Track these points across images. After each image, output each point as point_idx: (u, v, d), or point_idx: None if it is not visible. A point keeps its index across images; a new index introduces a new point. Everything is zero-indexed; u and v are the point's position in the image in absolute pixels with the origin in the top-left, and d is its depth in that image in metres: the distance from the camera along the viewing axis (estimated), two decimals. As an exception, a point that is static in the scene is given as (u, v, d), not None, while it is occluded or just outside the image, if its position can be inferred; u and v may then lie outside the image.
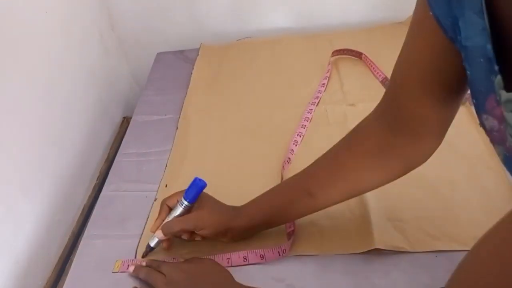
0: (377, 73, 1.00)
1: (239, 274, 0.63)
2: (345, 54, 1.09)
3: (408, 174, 0.60)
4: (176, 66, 1.16)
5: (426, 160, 0.58)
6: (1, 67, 0.73)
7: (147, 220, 0.76)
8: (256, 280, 0.64)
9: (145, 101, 1.06)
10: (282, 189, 0.68)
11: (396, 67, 0.53)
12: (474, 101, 0.41)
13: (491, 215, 0.66)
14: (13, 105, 0.76)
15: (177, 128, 0.95)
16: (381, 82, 0.98)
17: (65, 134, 0.93)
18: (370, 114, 0.61)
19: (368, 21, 1.18)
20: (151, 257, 0.68)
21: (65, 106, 0.93)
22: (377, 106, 0.59)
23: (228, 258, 0.66)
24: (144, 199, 0.80)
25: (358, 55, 1.07)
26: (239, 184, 0.80)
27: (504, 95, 0.35)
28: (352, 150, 0.61)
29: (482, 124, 0.42)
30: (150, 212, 0.77)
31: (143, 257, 0.68)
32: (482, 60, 0.37)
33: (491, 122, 0.39)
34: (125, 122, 1.18)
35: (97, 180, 1.02)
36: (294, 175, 0.66)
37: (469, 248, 0.35)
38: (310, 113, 0.93)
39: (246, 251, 0.67)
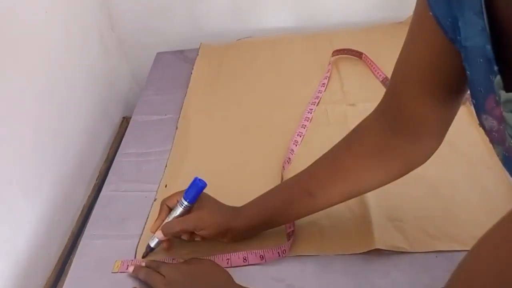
0: (377, 73, 1.00)
1: (239, 275, 0.63)
2: (345, 54, 1.09)
3: (408, 174, 0.60)
4: (176, 66, 1.16)
5: (426, 160, 0.58)
6: (1, 67, 0.73)
7: (146, 220, 0.76)
8: (256, 281, 0.64)
9: (145, 101, 1.06)
10: (282, 189, 0.68)
11: (396, 67, 0.53)
12: (474, 101, 0.41)
13: (491, 215, 0.66)
14: (13, 105, 0.76)
15: (177, 128, 0.95)
16: (381, 82, 0.98)
17: (65, 134, 0.93)
18: (370, 114, 0.61)
19: (368, 21, 1.18)
20: (151, 257, 0.68)
21: (65, 106, 0.93)
22: (377, 106, 0.59)
23: (228, 259, 0.66)
24: (144, 199, 0.80)
25: (358, 55, 1.07)
26: (239, 184, 0.80)
27: (504, 95, 0.35)
28: (352, 150, 0.61)
29: (481, 124, 0.42)
30: (150, 212, 0.77)
31: (143, 257, 0.68)
32: (481, 60, 0.37)
33: (491, 122, 0.39)
34: (125, 122, 1.18)
35: (96, 180, 1.02)
36: (294, 176, 0.66)
37: (469, 248, 0.35)
38: (310, 113, 0.93)
39: (246, 252, 0.67)
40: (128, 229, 0.75)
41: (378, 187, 0.62)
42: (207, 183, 0.65)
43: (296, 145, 0.86)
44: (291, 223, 0.69)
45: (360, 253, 0.65)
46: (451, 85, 0.49)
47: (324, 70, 1.05)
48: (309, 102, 0.96)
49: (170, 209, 0.67)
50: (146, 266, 0.65)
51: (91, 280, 0.68)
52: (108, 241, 0.73)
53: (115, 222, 0.76)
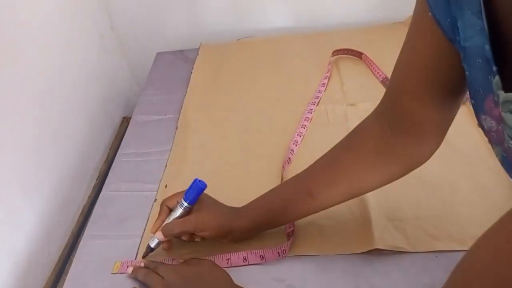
0: (377, 73, 1.00)
1: (239, 275, 0.63)
2: (345, 54, 1.09)
3: (408, 174, 0.60)
4: (176, 66, 1.16)
5: (426, 160, 0.58)
6: (1, 67, 0.73)
7: (147, 221, 0.76)
8: (256, 281, 0.64)
9: (145, 101, 1.06)
10: (283, 189, 0.67)
11: (395, 67, 0.53)
12: (473, 101, 0.41)
13: (491, 215, 0.66)
14: (13, 105, 0.76)
15: (177, 128, 0.95)
16: (382, 82, 0.98)
17: (65, 134, 0.93)
18: (370, 114, 0.61)
19: (368, 21, 1.18)
20: (151, 257, 0.68)
21: (64, 106, 0.94)
22: (377, 106, 0.59)
23: (228, 259, 0.66)
24: (144, 199, 0.80)
25: (358, 55, 1.07)
26: (239, 184, 0.80)
27: (502, 95, 0.35)
28: (353, 150, 0.61)
29: (480, 125, 0.42)
30: (150, 212, 0.77)
31: (143, 257, 0.68)
32: (480, 60, 0.37)
33: (489, 122, 0.39)
34: (125, 122, 1.18)
35: (97, 180, 1.02)
36: (295, 176, 0.66)
37: (468, 248, 0.35)
38: (310, 113, 0.93)
39: (245, 252, 0.67)
40: (128, 229, 0.75)
41: (378, 187, 0.62)
42: (207, 184, 0.65)
43: (296, 145, 0.86)
44: (291, 223, 0.69)
45: (360, 253, 0.65)
46: (451, 85, 0.49)
47: (324, 70, 1.05)
48: (309, 102, 0.96)
49: (170, 210, 0.67)
50: (145, 267, 0.65)
51: (91, 280, 0.68)
52: (108, 241, 0.73)
53: (115, 222, 0.76)
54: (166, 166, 0.86)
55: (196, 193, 0.65)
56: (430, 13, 0.43)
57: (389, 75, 0.60)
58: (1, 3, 0.74)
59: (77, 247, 0.75)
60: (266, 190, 0.67)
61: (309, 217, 0.66)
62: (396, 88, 0.55)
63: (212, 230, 0.64)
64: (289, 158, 0.83)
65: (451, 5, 0.40)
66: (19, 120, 0.78)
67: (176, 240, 0.68)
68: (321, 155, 0.64)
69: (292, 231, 0.68)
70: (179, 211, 0.65)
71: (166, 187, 0.81)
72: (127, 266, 0.67)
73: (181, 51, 1.21)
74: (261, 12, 1.21)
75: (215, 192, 0.68)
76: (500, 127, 0.38)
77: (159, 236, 0.66)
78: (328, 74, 1.03)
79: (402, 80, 0.53)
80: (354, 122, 0.62)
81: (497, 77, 0.35)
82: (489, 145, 0.43)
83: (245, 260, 0.66)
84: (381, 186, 0.61)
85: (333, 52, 1.08)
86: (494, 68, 0.35)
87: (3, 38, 0.74)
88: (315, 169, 0.64)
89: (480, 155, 0.78)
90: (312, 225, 0.69)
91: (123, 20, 1.22)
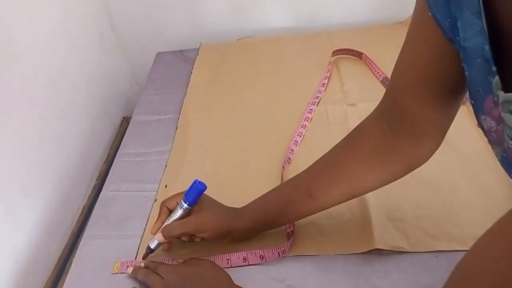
0: (378, 73, 1.00)
1: (239, 275, 0.63)
2: (345, 54, 1.09)
3: (409, 174, 0.60)
4: (176, 66, 1.16)
5: (426, 160, 0.58)
6: (1, 67, 0.73)
7: (147, 221, 0.76)
8: (256, 281, 0.64)
9: (145, 101, 1.06)
10: (283, 190, 0.67)
11: (396, 67, 0.53)
12: (472, 101, 0.41)
13: (491, 215, 0.66)
14: (13, 105, 0.76)
15: (177, 128, 0.95)
16: (382, 82, 0.98)
17: (65, 134, 0.93)
18: (370, 115, 0.61)
19: (368, 21, 1.18)
20: (151, 257, 0.68)
21: (64, 106, 0.94)
22: (377, 106, 0.59)
23: (228, 259, 0.66)
24: (144, 199, 0.80)
25: (358, 55, 1.07)
26: (239, 184, 0.80)
27: (502, 96, 0.35)
28: (353, 150, 0.61)
29: (480, 125, 0.42)
30: (150, 212, 0.77)
31: (143, 258, 0.68)
32: (480, 60, 0.37)
33: (489, 122, 0.39)
34: (125, 122, 1.18)
35: (97, 180, 1.02)
36: (295, 176, 0.66)
37: (469, 248, 0.35)
38: (310, 113, 0.93)
39: (245, 252, 0.67)
40: (128, 229, 0.75)
41: (379, 187, 0.62)
42: (207, 185, 0.65)
43: (296, 145, 0.86)
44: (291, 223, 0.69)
45: (360, 253, 0.65)
46: (451, 86, 0.49)
47: (324, 70, 1.05)
48: (309, 102, 0.96)
49: (170, 211, 0.67)
50: (145, 267, 0.65)
51: (91, 280, 0.68)
52: (108, 241, 0.73)
53: (115, 222, 0.76)
54: (166, 166, 0.86)
55: (196, 194, 0.64)
56: (430, 13, 0.43)
57: (389, 75, 0.60)
58: (1, 3, 0.74)
59: (77, 247, 0.75)
60: (266, 190, 0.67)
61: (309, 217, 0.66)
62: (396, 88, 0.55)
63: (212, 231, 0.64)
64: (289, 158, 0.83)
65: (450, 5, 0.40)
66: (19, 120, 0.78)
67: (176, 240, 0.68)
68: (321, 155, 0.64)
69: (292, 231, 0.68)
70: (179, 213, 0.65)
71: (166, 187, 0.81)
72: (127, 266, 0.67)
73: (181, 51, 1.21)
74: (261, 12, 1.21)
75: (215, 192, 0.68)
76: (499, 127, 0.38)
77: (159, 237, 0.66)
78: (328, 74, 1.03)
79: (402, 80, 0.53)
80: (354, 122, 0.62)
81: (496, 78, 0.35)
82: (489, 145, 0.43)
83: (245, 260, 0.66)
84: (381, 186, 0.61)
85: (333, 52, 1.08)
86: (494, 69, 0.35)
87: (3, 38, 0.74)
88: (315, 169, 0.64)
89: (480, 155, 0.78)
90: (312, 225, 0.69)
91: (123, 20, 1.22)
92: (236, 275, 0.62)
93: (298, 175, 0.66)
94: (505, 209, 0.31)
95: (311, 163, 0.65)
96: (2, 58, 0.73)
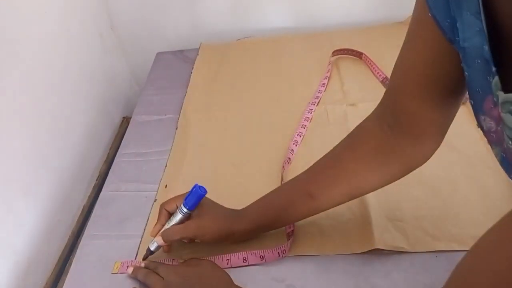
0: (378, 73, 1.00)
1: (239, 275, 0.63)
2: (345, 54, 1.09)
3: (409, 174, 0.60)
4: (175, 66, 1.16)
5: (426, 160, 0.58)
6: (1, 67, 0.73)
7: (147, 221, 0.76)
8: (256, 281, 0.64)
9: (144, 101, 1.06)
10: (283, 191, 0.67)
11: (395, 67, 0.53)
12: (472, 102, 0.41)
13: (491, 215, 0.66)
14: (13, 105, 0.76)
15: (177, 128, 0.95)
16: (382, 82, 0.98)
17: (65, 134, 0.93)
18: (370, 115, 0.61)
19: (368, 21, 1.18)
20: (152, 257, 0.68)
21: (64, 106, 0.94)
22: (377, 107, 0.59)
23: (228, 259, 0.66)
24: (144, 199, 0.80)
25: (358, 55, 1.07)
26: (239, 184, 0.80)
27: (502, 96, 0.35)
28: (353, 151, 0.61)
29: (480, 125, 0.42)
30: (150, 212, 0.77)
31: (143, 259, 0.68)
32: (479, 61, 0.37)
33: (489, 123, 0.39)
34: (125, 122, 1.18)
35: (97, 180, 1.02)
36: (295, 177, 0.66)
37: (469, 248, 0.35)
38: (310, 113, 0.93)
39: (245, 252, 0.67)
40: (128, 229, 0.75)
41: (379, 187, 0.62)
42: (207, 190, 0.64)
43: (296, 145, 0.86)
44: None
45: (360, 253, 0.65)
46: (451, 86, 0.49)
47: (324, 70, 1.05)
48: (309, 102, 0.96)
49: (169, 214, 0.67)
50: (145, 267, 0.65)
51: (91, 280, 0.68)
52: (108, 241, 0.73)
53: (115, 222, 0.76)
54: (166, 166, 0.86)
55: (196, 199, 0.64)
56: (429, 14, 0.43)
57: (389, 75, 0.60)
58: (1, 3, 0.74)
59: (77, 247, 0.75)
60: (266, 190, 0.67)
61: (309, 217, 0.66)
62: (396, 88, 0.55)
63: (212, 235, 0.64)
64: (289, 158, 0.83)
65: (450, 6, 0.40)
66: (19, 120, 0.78)
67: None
68: (321, 155, 0.64)
69: (292, 231, 0.68)
70: (178, 217, 0.65)
71: (166, 187, 0.81)
72: (127, 266, 0.67)
73: (181, 51, 1.21)
74: (261, 12, 1.21)
75: (215, 192, 0.68)
76: (499, 128, 0.38)
77: (158, 240, 0.65)
78: (328, 74, 1.03)
79: (402, 80, 0.53)
80: (354, 122, 0.62)
81: (496, 78, 0.35)
82: (489, 145, 0.43)
83: (245, 261, 0.66)
84: (382, 186, 0.61)
85: (333, 52, 1.08)
86: (493, 69, 0.35)
87: (3, 38, 0.74)
88: (315, 170, 0.64)
89: (480, 155, 0.78)
90: (312, 225, 0.69)
91: (123, 20, 1.22)
92: (236, 275, 0.62)
93: (298, 176, 0.65)
94: (505, 209, 0.31)
95: (311, 163, 0.65)
96: (2, 58, 0.73)
